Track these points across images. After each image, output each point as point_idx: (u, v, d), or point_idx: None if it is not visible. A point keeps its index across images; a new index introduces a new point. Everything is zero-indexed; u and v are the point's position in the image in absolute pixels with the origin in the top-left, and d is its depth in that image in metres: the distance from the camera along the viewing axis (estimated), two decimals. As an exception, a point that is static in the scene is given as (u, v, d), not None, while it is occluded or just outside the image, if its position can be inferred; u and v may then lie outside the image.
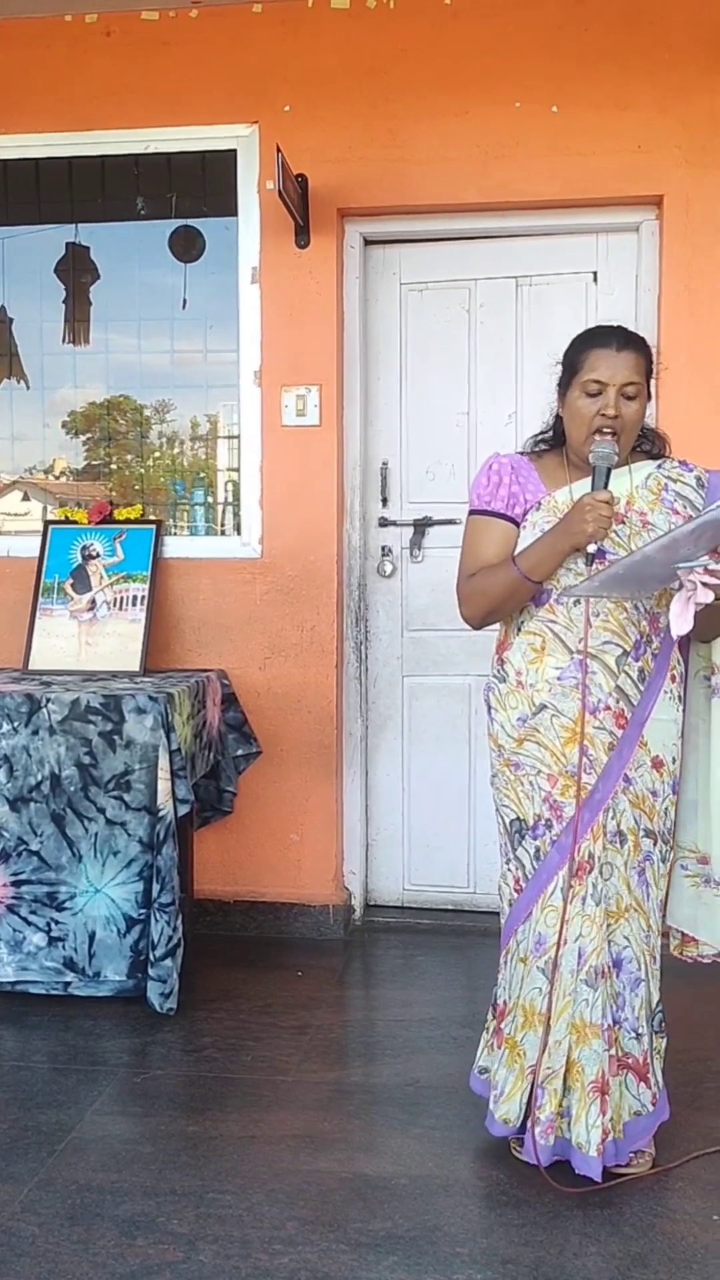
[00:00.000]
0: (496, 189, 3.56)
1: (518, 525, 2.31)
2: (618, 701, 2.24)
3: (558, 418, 2.35)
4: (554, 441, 2.39)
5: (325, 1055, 2.91)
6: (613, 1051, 2.26)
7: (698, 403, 3.50)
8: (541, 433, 2.42)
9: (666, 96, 3.46)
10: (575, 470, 2.31)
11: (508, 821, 2.35)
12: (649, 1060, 2.32)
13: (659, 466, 2.33)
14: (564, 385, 2.29)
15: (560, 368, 2.32)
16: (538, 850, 2.29)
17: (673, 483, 2.31)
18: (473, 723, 3.80)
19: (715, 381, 3.50)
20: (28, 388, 3.98)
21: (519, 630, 2.32)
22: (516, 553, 2.27)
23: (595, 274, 3.68)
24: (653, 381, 2.31)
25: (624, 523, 2.25)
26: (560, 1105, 2.27)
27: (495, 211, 3.64)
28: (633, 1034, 2.30)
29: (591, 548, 2.14)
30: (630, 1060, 2.30)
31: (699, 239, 3.48)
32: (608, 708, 2.24)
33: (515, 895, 2.34)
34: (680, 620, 2.10)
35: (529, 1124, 2.29)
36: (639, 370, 2.23)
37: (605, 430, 2.20)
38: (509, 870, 2.36)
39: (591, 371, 2.21)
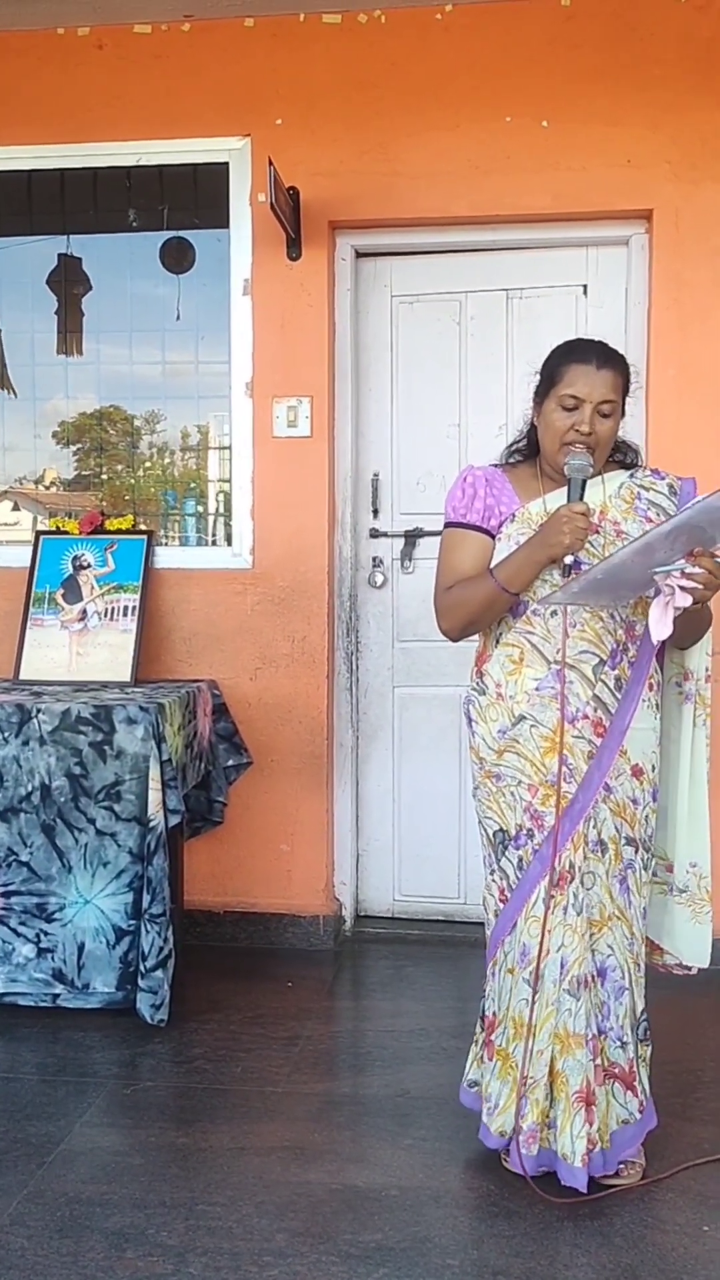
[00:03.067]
0: (487, 202, 3.59)
1: (493, 537, 2.32)
2: (596, 710, 2.25)
3: (532, 427, 2.36)
4: (528, 451, 2.40)
5: (315, 1066, 2.90)
6: (599, 1061, 2.27)
7: (687, 415, 3.52)
8: (515, 442, 2.44)
9: (656, 112, 3.49)
10: (549, 481, 2.33)
11: (491, 833, 2.35)
12: (635, 1068, 2.33)
13: (631, 476, 2.35)
14: (540, 395, 2.31)
15: (538, 376, 2.33)
16: (520, 860, 2.30)
17: (645, 491, 2.32)
18: (463, 733, 3.78)
19: (705, 394, 3.52)
20: (15, 396, 3.98)
21: (497, 642, 2.33)
22: (493, 565, 2.28)
23: (585, 287, 3.70)
24: (628, 399, 2.31)
25: (599, 532, 2.26)
26: (545, 1115, 2.27)
27: (486, 225, 3.66)
28: (618, 1042, 2.30)
29: (568, 559, 2.16)
30: (616, 1069, 2.30)
31: (688, 252, 3.51)
32: (586, 716, 2.25)
33: (500, 906, 2.35)
34: (660, 625, 2.11)
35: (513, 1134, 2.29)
36: (616, 389, 2.24)
37: (578, 445, 2.22)
38: (493, 881, 2.37)
39: (570, 386, 2.23)
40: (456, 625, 2.34)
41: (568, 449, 2.22)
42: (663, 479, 2.35)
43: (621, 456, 2.41)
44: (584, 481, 2.19)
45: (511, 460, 2.42)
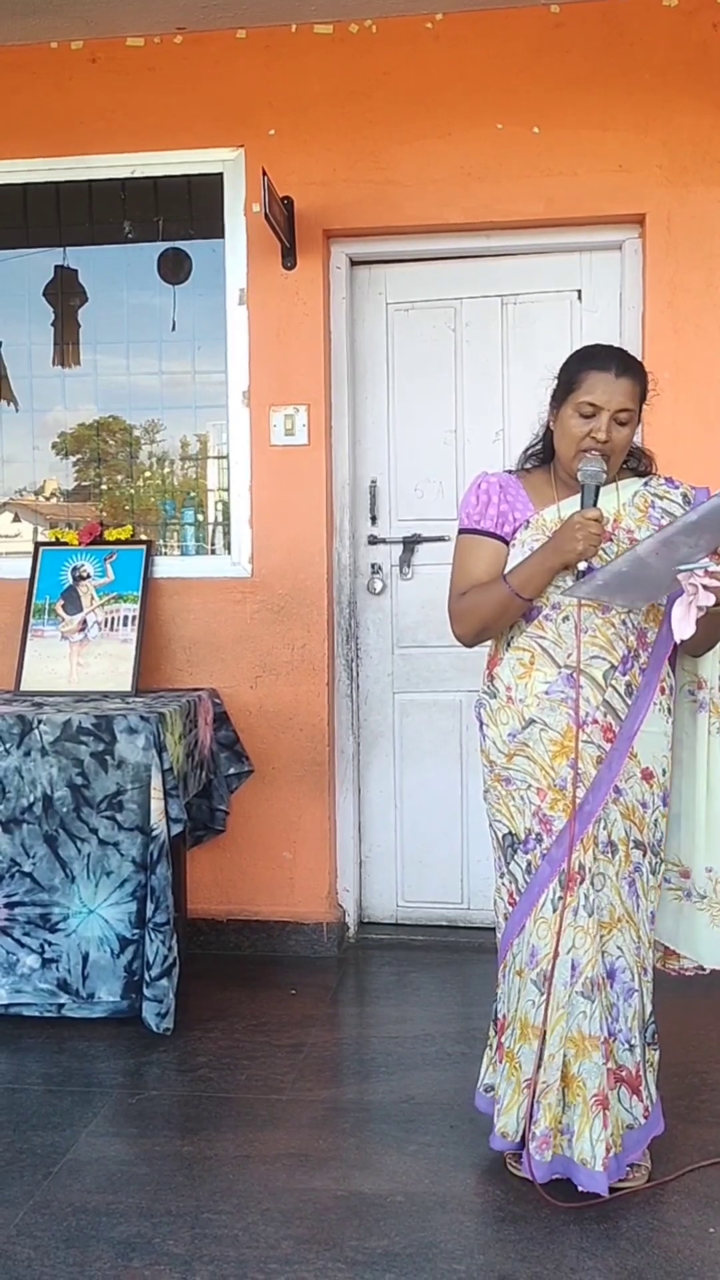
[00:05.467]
0: (480, 209, 3.60)
1: (507, 543, 2.33)
2: (605, 715, 2.26)
3: (548, 430, 2.37)
4: (544, 456, 2.41)
5: (320, 1073, 2.91)
6: (609, 1065, 2.27)
7: (682, 419, 3.52)
8: (532, 445, 2.44)
9: (647, 116, 3.51)
10: (563, 487, 2.33)
11: (500, 836, 2.36)
12: (641, 1072, 2.33)
13: (645, 484, 2.35)
14: (558, 400, 2.30)
15: (555, 380, 2.33)
16: (529, 864, 2.30)
17: (659, 500, 2.33)
18: (464, 738, 3.81)
19: (699, 398, 3.53)
20: (17, 409, 4.00)
21: (509, 646, 2.34)
22: (507, 570, 2.28)
23: (579, 292, 3.71)
24: (645, 406, 2.32)
25: (612, 540, 2.27)
26: (558, 1121, 2.26)
27: (479, 231, 3.67)
28: (626, 1045, 2.30)
29: (581, 565, 2.16)
30: (624, 1073, 2.30)
31: (681, 256, 3.52)
32: (595, 721, 2.26)
33: (509, 909, 2.35)
34: (683, 624, 2.10)
35: (525, 1140, 2.29)
36: (633, 397, 2.25)
37: (592, 452, 2.23)
38: (503, 884, 2.37)
39: (588, 394, 2.23)
40: (470, 631, 2.35)
41: (582, 455, 2.23)
42: (677, 488, 2.35)
43: (635, 464, 2.41)
44: (597, 488, 2.19)
45: (527, 466, 2.43)
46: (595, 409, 2.22)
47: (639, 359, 2.31)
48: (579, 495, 2.22)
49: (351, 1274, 2.06)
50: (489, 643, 2.41)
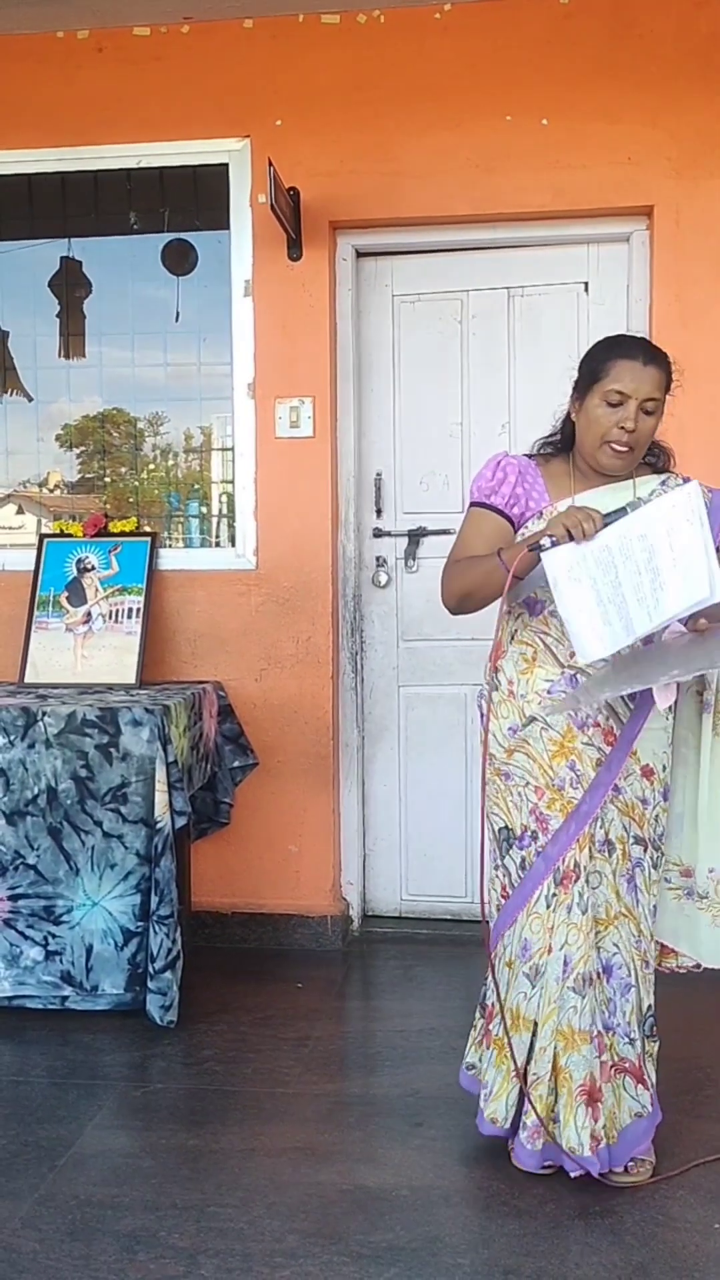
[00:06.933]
0: (487, 201, 3.58)
1: (514, 525, 2.31)
2: (607, 719, 2.25)
3: (567, 420, 2.35)
4: (561, 445, 2.39)
5: (325, 1067, 2.91)
6: (605, 1058, 2.27)
7: (689, 412, 3.47)
8: (549, 436, 2.42)
9: (656, 108, 3.49)
10: (581, 478, 2.32)
11: (496, 829, 2.36)
12: (642, 1063, 2.33)
13: (663, 482, 2.34)
14: (582, 390, 2.28)
15: (577, 370, 2.31)
16: (523, 860, 2.30)
17: None
18: (469, 732, 3.81)
19: (706, 391, 3.51)
20: (30, 401, 3.99)
21: (512, 639, 2.33)
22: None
23: (586, 284, 3.70)
24: (668, 397, 2.30)
25: None
26: (550, 1110, 2.28)
27: (486, 223, 3.66)
28: (626, 1039, 2.31)
29: (544, 541, 2.09)
30: (626, 1064, 2.31)
31: (689, 249, 3.50)
32: (597, 724, 2.25)
33: (501, 901, 2.36)
34: (663, 696, 2.16)
35: (515, 1127, 2.31)
36: (660, 386, 2.24)
37: (619, 444, 2.21)
38: (496, 876, 2.38)
39: (616, 381, 2.21)
40: (451, 595, 2.33)
41: (608, 447, 2.22)
42: None
43: (654, 459, 2.39)
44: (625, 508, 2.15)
45: (544, 452, 2.41)
46: (623, 397, 2.20)
47: (664, 350, 2.29)
48: (595, 490, 2.24)
49: (356, 1268, 2.06)
50: (493, 635, 2.39)
